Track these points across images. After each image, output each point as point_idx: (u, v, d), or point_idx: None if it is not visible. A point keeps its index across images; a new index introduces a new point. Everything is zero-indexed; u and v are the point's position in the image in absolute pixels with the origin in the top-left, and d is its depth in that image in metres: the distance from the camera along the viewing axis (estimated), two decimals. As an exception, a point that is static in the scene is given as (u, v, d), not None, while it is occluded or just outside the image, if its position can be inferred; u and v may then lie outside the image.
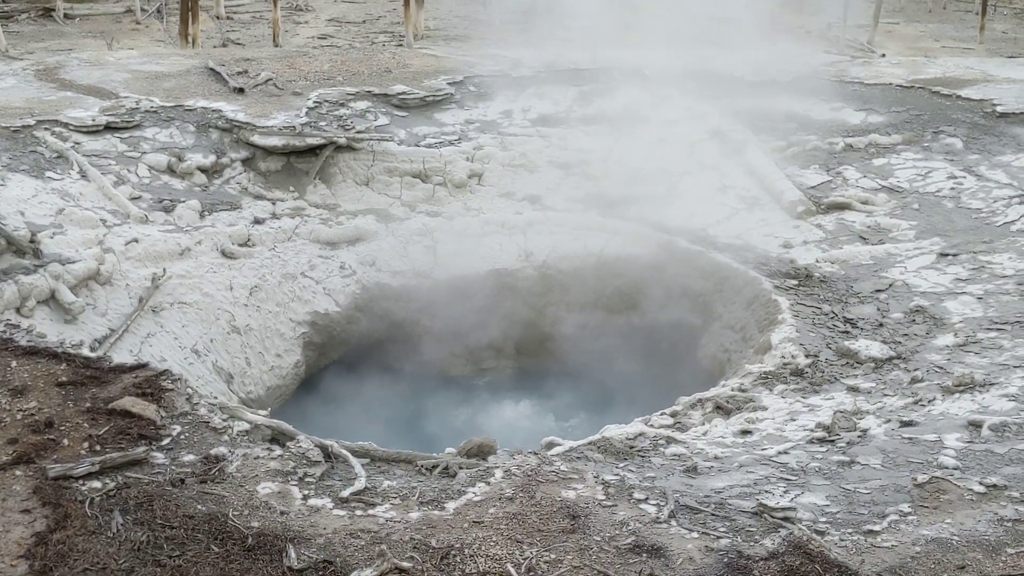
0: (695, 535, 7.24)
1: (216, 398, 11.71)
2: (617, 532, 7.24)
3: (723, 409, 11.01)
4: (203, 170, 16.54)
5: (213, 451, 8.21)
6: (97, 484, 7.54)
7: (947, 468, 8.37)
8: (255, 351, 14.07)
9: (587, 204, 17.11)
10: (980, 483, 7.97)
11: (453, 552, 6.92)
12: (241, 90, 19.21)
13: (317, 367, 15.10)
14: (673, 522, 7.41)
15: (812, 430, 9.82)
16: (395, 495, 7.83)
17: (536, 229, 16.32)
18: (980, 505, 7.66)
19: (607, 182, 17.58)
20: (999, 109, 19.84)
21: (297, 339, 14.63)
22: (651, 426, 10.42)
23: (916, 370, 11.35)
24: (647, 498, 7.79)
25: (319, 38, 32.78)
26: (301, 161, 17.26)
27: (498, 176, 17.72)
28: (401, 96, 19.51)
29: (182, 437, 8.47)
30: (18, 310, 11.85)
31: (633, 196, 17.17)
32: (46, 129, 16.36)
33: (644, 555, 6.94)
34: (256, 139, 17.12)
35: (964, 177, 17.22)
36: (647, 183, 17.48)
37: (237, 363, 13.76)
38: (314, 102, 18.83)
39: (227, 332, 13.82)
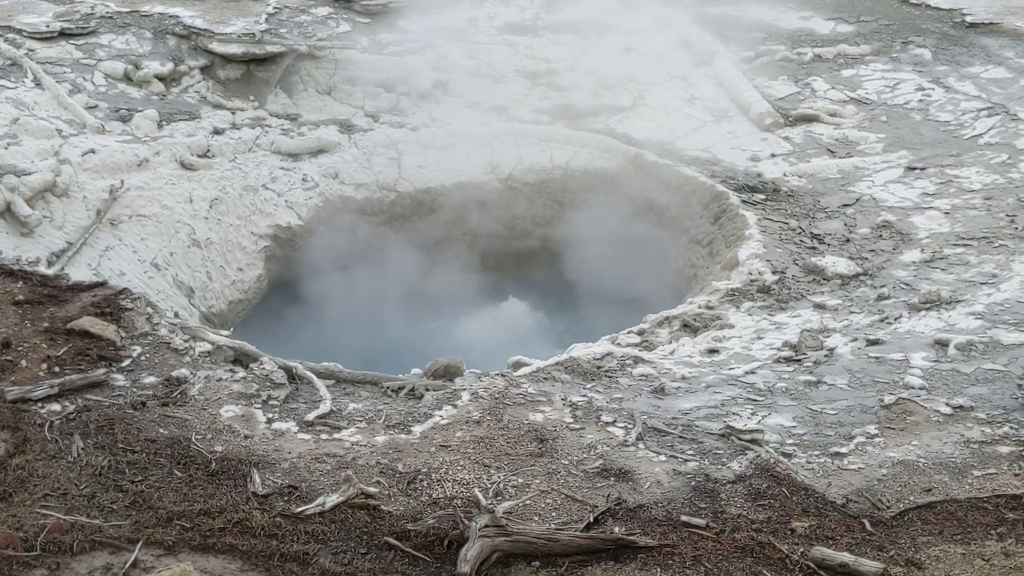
0: (663, 458, 7.23)
1: (177, 314, 11.59)
2: (585, 456, 7.22)
3: (690, 327, 10.97)
4: (161, 78, 16.12)
5: (174, 373, 8.08)
6: (57, 407, 7.42)
7: (914, 388, 8.39)
8: (216, 265, 13.86)
9: (554, 115, 16.85)
10: (947, 404, 8.01)
11: (420, 476, 6.87)
12: (198, -6, 18.68)
13: (280, 281, 14.89)
14: (641, 445, 7.40)
15: (779, 349, 9.81)
16: (361, 418, 7.76)
17: (502, 141, 16.05)
18: (947, 427, 7.69)
19: (574, 92, 17.34)
20: (968, 19, 19.69)
21: (259, 253, 14.40)
22: (618, 345, 10.36)
23: (883, 287, 11.35)
24: (615, 420, 7.76)
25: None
26: (261, 69, 16.83)
27: (464, 86, 17.39)
28: (364, 2, 19.04)
29: (143, 358, 8.34)
30: (-28, 223, 11.59)
31: (600, 107, 16.97)
32: (-2, 35, 15.89)
33: (612, 479, 6.93)
34: (215, 46, 16.67)
35: (932, 89, 17.10)
36: (614, 94, 17.28)
37: (198, 277, 13.56)
38: (274, 7, 18.33)
39: (187, 245, 13.59)
